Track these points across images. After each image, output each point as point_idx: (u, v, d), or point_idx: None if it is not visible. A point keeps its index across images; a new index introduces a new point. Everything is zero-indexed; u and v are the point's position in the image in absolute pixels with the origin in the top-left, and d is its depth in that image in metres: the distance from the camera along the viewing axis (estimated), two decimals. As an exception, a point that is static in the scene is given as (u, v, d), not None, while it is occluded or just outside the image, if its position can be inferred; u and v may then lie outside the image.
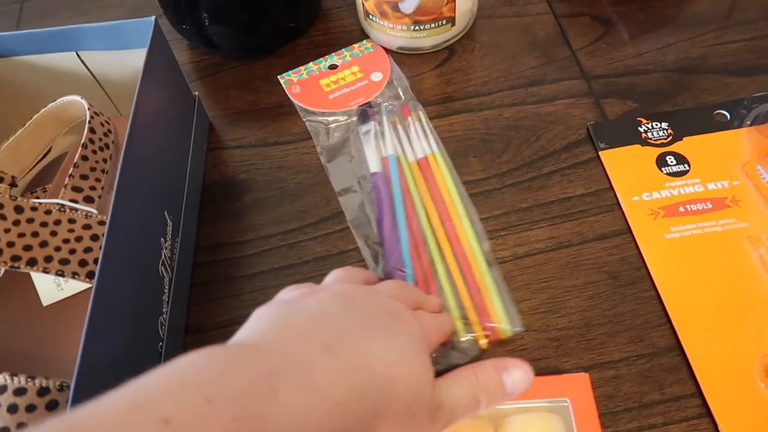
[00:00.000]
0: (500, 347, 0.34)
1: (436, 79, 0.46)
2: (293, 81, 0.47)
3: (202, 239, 0.40)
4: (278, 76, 0.47)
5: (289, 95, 0.46)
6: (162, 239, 0.33)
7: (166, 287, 0.34)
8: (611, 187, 0.40)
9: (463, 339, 0.34)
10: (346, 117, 0.44)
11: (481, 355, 0.34)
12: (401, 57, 0.48)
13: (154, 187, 0.33)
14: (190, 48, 0.50)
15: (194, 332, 0.36)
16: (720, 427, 0.31)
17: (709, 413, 0.32)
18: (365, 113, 0.44)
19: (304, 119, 0.44)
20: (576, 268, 0.37)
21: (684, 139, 0.41)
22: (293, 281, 0.37)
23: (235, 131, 0.45)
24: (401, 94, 0.45)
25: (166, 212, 0.35)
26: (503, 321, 0.34)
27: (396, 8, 0.44)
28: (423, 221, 0.38)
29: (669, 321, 0.34)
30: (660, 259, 0.36)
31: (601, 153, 0.41)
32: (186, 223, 0.38)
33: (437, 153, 0.41)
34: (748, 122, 0.41)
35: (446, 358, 0.33)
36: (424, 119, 0.43)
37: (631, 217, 0.38)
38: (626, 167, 0.40)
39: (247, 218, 0.41)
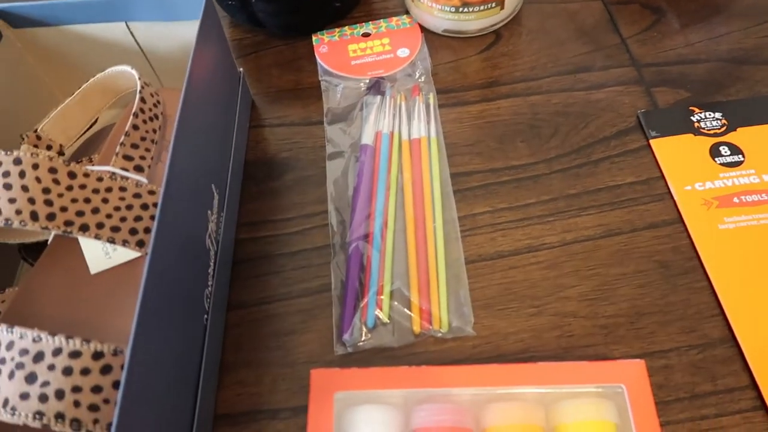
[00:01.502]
0: (449, 342, 0.34)
1: (482, 63, 0.46)
2: (324, 40, 0.47)
3: (244, 216, 0.40)
4: (311, 36, 0.47)
5: (315, 53, 0.46)
6: (209, 212, 0.33)
7: (212, 260, 0.33)
8: (662, 176, 0.39)
9: (398, 319, 0.34)
10: (359, 84, 0.44)
11: (416, 341, 0.34)
12: (446, 40, 0.47)
13: (203, 160, 0.33)
14: (233, 25, 0.50)
15: (236, 308, 0.36)
16: (776, 420, 0.30)
17: (764, 405, 0.31)
18: (377, 85, 0.44)
19: (321, 78, 0.45)
20: (626, 256, 0.36)
21: (738, 129, 0.40)
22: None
23: (278, 109, 0.45)
24: (419, 74, 0.44)
25: (213, 186, 0.35)
26: (445, 314, 0.34)
27: (446, -11, 0.43)
28: (396, 201, 0.38)
29: (722, 312, 0.34)
30: (713, 250, 0.35)
31: (652, 141, 0.40)
32: (231, 198, 0.38)
33: (433, 138, 0.41)
34: (805, 114, 0.40)
35: (378, 336, 0.33)
36: (432, 103, 0.42)
37: (684, 207, 0.37)
38: (678, 156, 0.39)
39: (289, 197, 0.40)
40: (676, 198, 0.38)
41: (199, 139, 0.33)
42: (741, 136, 0.39)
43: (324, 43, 0.47)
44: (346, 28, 0.48)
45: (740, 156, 0.39)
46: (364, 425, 0.29)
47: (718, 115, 0.41)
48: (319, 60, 0.46)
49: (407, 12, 0.49)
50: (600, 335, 0.34)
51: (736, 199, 0.37)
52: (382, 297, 0.35)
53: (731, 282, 0.34)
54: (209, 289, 0.33)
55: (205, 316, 0.32)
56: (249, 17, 0.46)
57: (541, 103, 0.43)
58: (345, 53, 0.46)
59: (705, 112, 0.41)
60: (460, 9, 0.44)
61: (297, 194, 0.41)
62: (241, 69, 0.44)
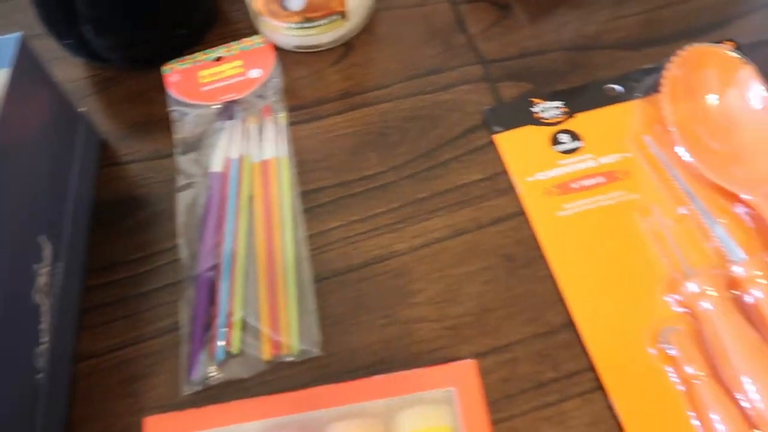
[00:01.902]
0: (299, 366, 0.34)
1: (334, 76, 0.46)
2: (175, 69, 0.46)
3: (95, 261, 0.39)
4: (161, 66, 0.46)
5: (165, 83, 0.45)
6: (35, 266, 0.32)
7: (45, 315, 0.32)
8: (506, 170, 0.39)
9: (247, 350, 0.34)
10: (210, 111, 0.44)
11: (267, 368, 0.33)
12: (299, 56, 0.47)
13: (21, 214, 0.32)
14: (85, 63, 0.49)
15: (86, 358, 0.35)
16: (611, 396, 0.31)
17: (601, 386, 0.31)
18: (228, 109, 0.43)
19: (170, 108, 0.44)
20: (472, 254, 0.37)
21: (577, 116, 0.41)
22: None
23: (129, 145, 0.44)
24: (271, 93, 0.44)
25: (43, 237, 0.34)
26: (294, 338, 0.34)
27: (284, 6, 0.43)
28: (248, 226, 0.38)
29: (563, 299, 0.34)
30: (553, 237, 0.36)
31: (495, 137, 0.41)
32: (73, 246, 0.37)
33: (283, 158, 0.40)
34: (639, 94, 0.41)
35: (228, 369, 0.33)
36: (282, 123, 0.42)
37: (526, 198, 0.38)
38: (520, 149, 0.40)
39: (141, 235, 0.40)
40: (518, 190, 0.38)
41: (14, 193, 0.32)
42: (579, 122, 0.40)
43: (175, 72, 0.46)
44: (198, 54, 0.48)
45: (579, 142, 0.40)
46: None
47: (558, 103, 0.41)
48: (168, 90, 0.46)
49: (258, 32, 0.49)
50: (448, 337, 0.34)
51: (574, 185, 0.38)
52: (231, 329, 0.34)
53: (569, 267, 0.35)
54: (44, 345, 0.32)
55: (39, 374, 0.31)
56: (91, 54, 0.45)
57: (390, 110, 0.43)
58: (195, 80, 0.46)
59: (546, 102, 0.42)
60: (303, 25, 0.44)
61: (149, 232, 0.40)
62: (84, 109, 0.43)
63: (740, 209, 0.35)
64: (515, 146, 0.40)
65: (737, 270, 0.32)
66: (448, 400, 0.29)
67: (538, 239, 0.36)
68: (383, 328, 0.35)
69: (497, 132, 0.41)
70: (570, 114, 0.41)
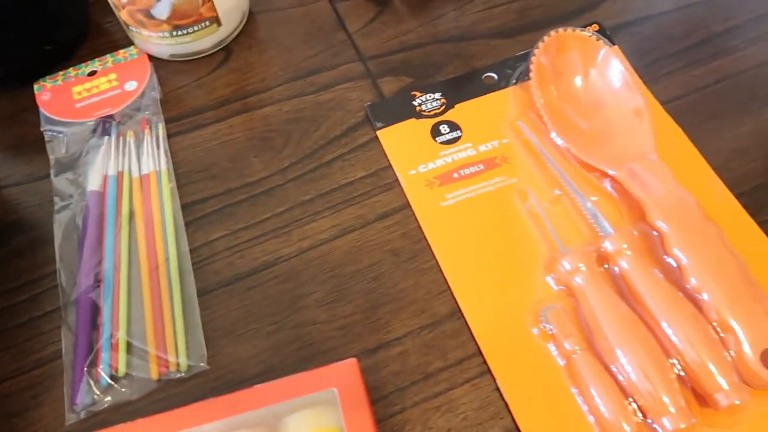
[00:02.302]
0: (189, 382, 0.33)
1: (213, 83, 0.45)
2: (46, 87, 0.44)
3: (-34, 295, 0.37)
4: (34, 83, 0.44)
5: (37, 102, 0.43)
6: None
7: None
8: (390, 165, 0.40)
9: (134, 372, 0.33)
10: (85, 128, 0.42)
11: (156, 387, 0.33)
12: (177, 65, 0.46)
13: None
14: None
15: (-41, 398, 0.33)
16: (497, 379, 0.32)
17: (488, 370, 0.32)
18: (103, 125, 0.42)
19: (43, 128, 0.42)
20: (360, 251, 0.37)
21: (456, 106, 0.41)
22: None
23: (2, 170, 0.42)
24: (147, 106, 0.43)
25: None
26: (182, 354, 0.33)
27: (150, 15, 0.42)
28: (130, 244, 0.37)
29: (450, 288, 0.35)
30: (436, 228, 0.37)
31: (378, 132, 0.41)
32: (-65, 281, 0.35)
33: (163, 171, 0.40)
34: (514, 81, 0.42)
35: (115, 393, 0.32)
36: (161, 135, 0.41)
37: (409, 191, 0.38)
38: (403, 142, 0.40)
39: (17, 263, 0.38)
40: (402, 184, 0.39)
41: None
42: (458, 113, 0.41)
43: (47, 90, 0.44)
44: (71, 69, 0.46)
45: (458, 132, 0.40)
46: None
47: (437, 95, 0.42)
48: (41, 109, 0.43)
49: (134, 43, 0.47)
50: (339, 337, 0.34)
51: (455, 174, 0.38)
52: (116, 351, 0.33)
53: (453, 256, 0.36)
54: None
55: None
56: (-51, 78, 0.42)
57: (273, 113, 0.43)
58: (69, 97, 0.44)
59: (426, 94, 0.42)
60: (174, 33, 0.43)
61: (26, 258, 0.38)
62: (-57, 136, 0.40)
63: (608, 185, 0.37)
64: (398, 140, 0.40)
65: (606, 245, 0.33)
66: (334, 401, 0.29)
67: (423, 231, 0.37)
68: (272, 335, 0.34)
69: (380, 128, 0.41)
70: (449, 105, 0.41)
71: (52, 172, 0.41)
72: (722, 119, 0.40)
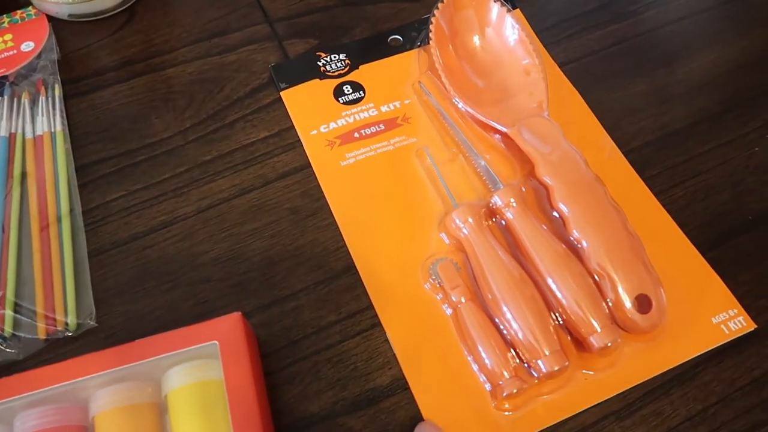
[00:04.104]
0: (79, 340, 0.33)
1: (115, 45, 0.44)
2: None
3: None
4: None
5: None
6: None
7: None
8: (293, 125, 0.40)
9: (21, 332, 0.32)
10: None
11: (44, 346, 0.32)
12: (77, 26, 0.44)
13: None
14: None
15: None
16: (387, 331, 0.32)
17: (379, 322, 0.33)
18: None
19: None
20: (259, 210, 0.37)
21: (360, 67, 0.42)
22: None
23: None
24: (43, 67, 0.42)
25: None
26: (71, 312, 0.33)
27: (44, -29, 0.40)
28: (21, 205, 0.36)
29: (345, 245, 0.35)
30: (335, 187, 0.37)
31: (282, 93, 0.41)
32: None
33: (58, 131, 0.39)
34: (418, 44, 0.43)
35: (1, 353, 0.32)
36: (57, 95, 0.40)
37: (310, 151, 0.38)
38: (306, 103, 0.40)
39: None
40: (304, 144, 0.39)
41: None
42: (362, 74, 0.41)
43: (-62, 51, 0.42)
44: (-35, 29, 0.44)
45: (361, 92, 0.40)
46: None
47: (342, 56, 0.42)
48: (-70, 70, 0.42)
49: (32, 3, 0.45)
50: (233, 294, 0.34)
51: (356, 134, 0.39)
52: (2, 311, 0.32)
53: (351, 213, 0.36)
54: None
55: None
56: None
57: (176, 75, 0.42)
58: (-40, 58, 0.42)
59: (330, 55, 0.42)
60: (71, -9, 0.42)
61: None
62: None
63: (501, 143, 0.38)
64: (301, 101, 0.40)
65: (495, 199, 0.34)
66: (217, 354, 0.29)
67: (322, 190, 0.37)
68: (167, 293, 0.34)
69: (283, 89, 0.41)
70: (354, 66, 0.42)
71: (-60, 134, 0.39)
72: (615, 80, 0.41)
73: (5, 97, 0.40)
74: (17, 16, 0.45)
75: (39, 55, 0.43)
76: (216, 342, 0.28)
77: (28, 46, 0.43)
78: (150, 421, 0.28)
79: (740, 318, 0.32)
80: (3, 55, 0.42)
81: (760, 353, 0.32)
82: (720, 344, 0.32)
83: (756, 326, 0.32)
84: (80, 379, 0.28)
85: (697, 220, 0.36)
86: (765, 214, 0.36)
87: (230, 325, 0.29)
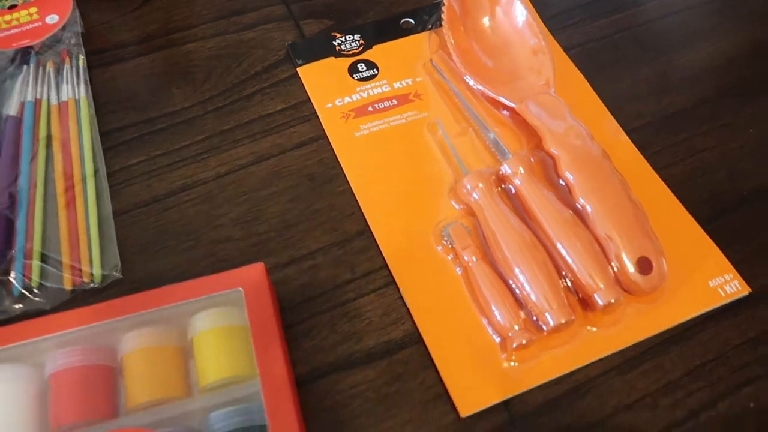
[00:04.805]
0: (103, 292, 0.34)
1: (136, 21, 0.45)
2: (-37, 21, 0.44)
3: None
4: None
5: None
6: None
7: None
8: (309, 99, 0.41)
9: (48, 282, 0.33)
10: (2, 57, 0.42)
11: (70, 297, 0.33)
12: (99, 2, 0.46)
13: None
14: None
15: None
16: (401, 289, 0.34)
17: (393, 281, 0.34)
18: (23, 54, 0.41)
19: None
20: (276, 176, 0.38)
21: (374, 47, 0.43)
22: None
23: None
24: (68, 38, 0.43)
25: None
26: (95, 265, 0.34)
27: (71, -54, 0.42)
28: (47, 166, 0.37)
29: (360, 209, 0.37)
30: (350, 156, 0.38)
31: (299, 69, 0.42)
32: None
33: (82, 98, 0.40)
34: (429, 26, 0.44)
35: (29, 302, 0.33)
36: (81, 65, 0.41)
37: (326, 122, 0.40)
38: (322, 78, 0.42)
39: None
40: (319, 116, 0.40)
41: None
42: (376, 53, 0.43)
43: (-38, 21, 0.44)
44: (-10, 2, 0.45)
45: (375, 70, 0.42)
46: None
47: (356, 36, 0.44)
48: (-45, 39, 0.43)
49: (56, -21, 0.47)
50: (252, 253, 0.35)
51: (370, 108, 0.40)
52: (30, 256, 0.34)
53: (365, 180, 0.37)
54: None
55: None
56: None
57: (195, 50, 0.44)
58: (-12, 28, 0.43)
59: (345, 35, 0.44)
60: (96, -34, 0.43)
61: (-64, 181, 0.37)
62: None
63: (510, 118, 0.39)
64: (317, 77, 0.42)
65: (504, 168, 0.36)
66: (241, 302, 0.30)
67: (338, 159, 0.39)
68: (187, 251, 0.35)
69: (300, 65, 0.42)
70: (367, 46, 0.43)
71: (-33, 99, 0.40)
72: (619, 66, 0.43)
73: (31, 66, 0.42)
74: (41, -9, 0.46)
75: (63, 28, 0.44)
76: (240, 288, 0.30)
77: (52, 18, 0.44)
78: (176, 362, 0.29)
79: (735, 282, 0.34)
80: (28, 27, 0.44)
81: (755, 315, 0.34)
82: (716, 306, 0.34)
83: (750, 290, 0.34)
84: (109, 321, 0.29)
85: (695, 194, 0.38)
86: (759, 191, 0.38)
87: (254, 273, 0.30)
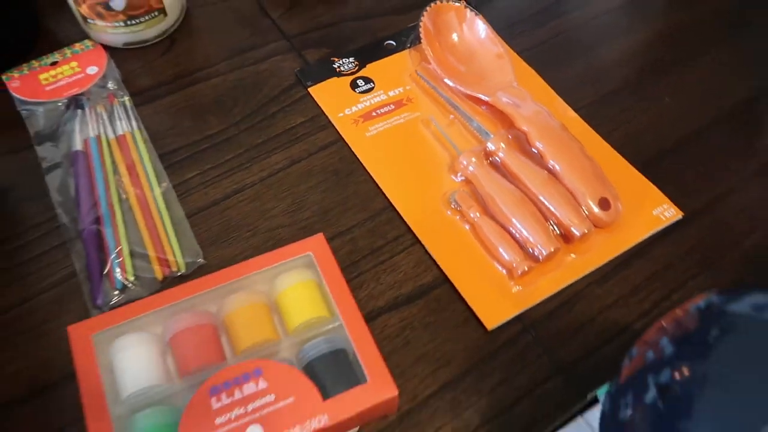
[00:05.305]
0: (189, 277, 0.41)
1: (165, 64, 0.54)
2: (14, 77, 0.51)
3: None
4: (1, 75, 0.51)
5: (8, 89, 0.50)
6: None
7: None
8: (322, 112, 0.51)
9: (141, 274, 0.41)
10: (58, 105, 0.50)
11: (162, 286, 0.41)
12: (130, 52, 0.54)
13: None
14: None
15: (-8, 315, 0.40)
16: (426, 245, 0.43)
17: (418, 240, 0.44)
18: (76, 101, 0.50)
19: (19, 108, 0.49)
20: (308, 174, 0.47)
21: (367, 66, 0.53)
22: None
23: (-15, 145, 0.48)
24: (111, 85, 0.51)
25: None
26: (178, 255, 0.42)
27: (108, 7, 0.50)
28: (117, 186, 0.45)
29: (381, 191, 0.46)
30: (366, 152, 0.48)
31: (310, 89, 0.52)
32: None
33: (136, 131, 0.48)
34: (408, 45, 0.55)
35: (128, 293, 0.41)
36: (128, 105, 0.50)
37: (340, 128, 0.49)
38: (330, 95, 0.51)
39: (19, 213, 0.45)
40: (334, 124, 0.50)
41: None
42: (370, 70, 0.53)
43: (15, 79, 0.51)
44: (33, 61, 0.53)
45: (371, 84, 0.52)
46: (124, 352, 0.35)
47: (351, 59, 0.54)
48: (13, 93, 0.50)
49: (88, 37, 0.55)
50: (302, 233, 0.44)
51: (374, 113, 0.50)
52: (122, 256, 0.41)
53: (381, 168, 0.47)
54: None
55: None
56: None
57: (220, 83, 0.53)
58: (37, 82, 0.51)
59: (342, 59, 0.54)
60: (128, 22, 0.52)
61: (25, 210, 0.45)
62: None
63: (485, 108, 0.50)
64: (326, 94, 0.52)
65: (489, 145, 0.46)
66: (310, 264, 0.39)
67: (355, 155, 0.48)
68: (250, 239, 0.44)
69: (310, 86, 0.52)
70: (362, 65, 0.53)
71: (34, 142, 0.48)
72: (560, 61, 0.55)
73: (86, 109, 0.50)
74: (77, 48, 0.54)
75: (104, 76, 0.52)
76: (310, 253, 0.39)
77: (92, 69, 0.53)
78: (266, 316, 0.38)
79: (671, 210, 0.45)
80: (74, 78, 0.52)
81: (688, 232, 0.45)
82: (660, 228, 0.45)
83: (683, 214, 0.45)
84: (209, 289, 0.38)
85: (633, 150, 0.49)
86: (679, 143, 0.50)
87: (317, 241, 0.39)
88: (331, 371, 0.35)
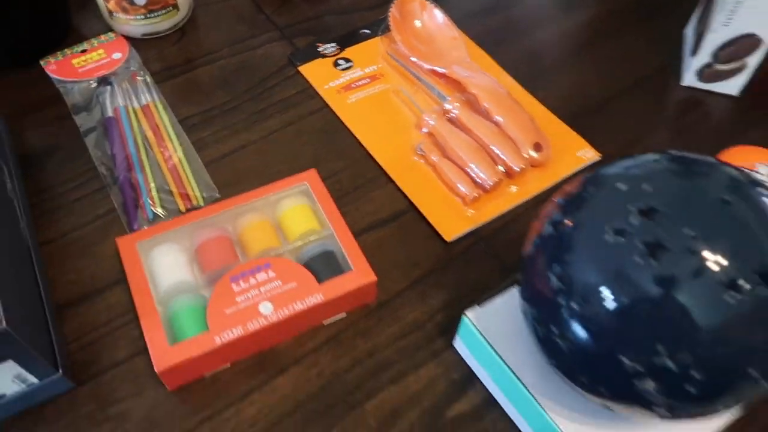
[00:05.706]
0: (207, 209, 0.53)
1: (178, 51, 0.65)
2: (51, 62, 0.61)
3: (36, 184, 0.53)
4: (40, 61, 0.61)
5: (46, 71, 0.61)
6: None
7: (18, 210, 0.47)
8: (310, 85, 0.62)
9: (168, 206, 0.52)
10: (90, 83, 0.60)
11: (183, 214, 0.51)
12: (148, 41, 0.65)
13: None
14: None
15: (47, 243, 0.50)
16: (397, 183, 0.54)
17: (391, 180, 0.55)
18: (104, 79, 0.60)
19: (57, 86, 0.59)
20: (302, 133, 0.58)
21: (346, 49, 0.65)
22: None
23: (34, 116, 0.58)
24: (133, 66, 0.62)
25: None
26: (197, 191, 0.52)
27: (132, 2, 0.61)
28: (144, 144, 0.56)
29: (361, 144, 0.57)
30: (348, 115, 0.59)
31: (299, 68, 0.63)
32: (18, 177, 0.51)
33: (158, 101, 0.59)
34: (380, 33, 0.66)
35: (157, 221, 0.51)
36: (149, 81, 0.61)
37: (326, 97, 0.60)
38: (316, 72, 0.63)
39: (64, 166, 0.55)
40: (321, 94, 0.61)
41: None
42: (348, 53, 0.64)
43: (52, 63, 0.62)
44: (66, 50, 0.63)
45: (350, 63, 0.63)
46: (162, 257, 0.46)
47: (333, 44, 0.65)
48: (51, 75, 0.61)
49: (111, 30, 0.66)
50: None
51: (353, 85, 0.61)
52: (152, 194, 0.52)
53: (361, 127, 0.58)
54: (23, 225, 0.46)
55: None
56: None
57: (225, 65, 0.63)
58: (71, 66, 0.61)
59: (326, 44, 0.65)
60: (148, 15, 0.63)
61: (68, 164, 0.55)
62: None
63: (441, 80, 0.61)
64: (313, 71, 0.63)
65: (446, 105, 0.57)
66: (306, 193, 0.50)
67: (340, 118, 0.59)
68: (255, 180, 0.54)
69: (299, 65, 0.63)
70: (342, 49, 0.65)
71: (72, 112, 0.58)
72: (503, 41, 0.67)
73: (114, 85, 0.60)
74: (102, 38, 0.65)
75: (127, 60, 0.63)
76: (306, 182, 0.50)
77: (117, 55, 0.63)
78: (271, 230, 0.48)
79: (591, 152, 0.57)
80: (101, 62, 0.62)
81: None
82: (582, 166, 0.56)
83: (601, 156, 0.57)
84: (225, 210, 0.48)
85: (563, 109, 0.60)
86: (600, 104, 0.62)
87: (311, 174, 0.50)
88: (324, 265, 0.46)
